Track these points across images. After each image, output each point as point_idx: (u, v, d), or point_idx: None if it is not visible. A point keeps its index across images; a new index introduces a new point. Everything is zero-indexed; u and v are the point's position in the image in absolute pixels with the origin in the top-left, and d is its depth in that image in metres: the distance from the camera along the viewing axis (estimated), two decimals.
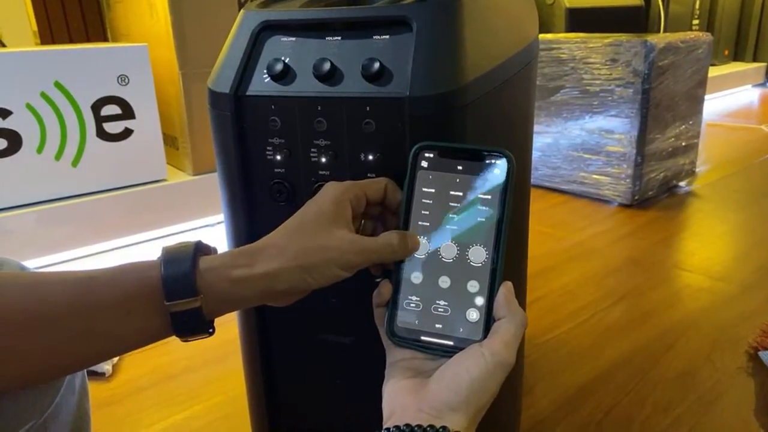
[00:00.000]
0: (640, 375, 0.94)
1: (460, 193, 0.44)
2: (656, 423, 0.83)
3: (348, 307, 0.58)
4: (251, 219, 0.58)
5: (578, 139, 1.77)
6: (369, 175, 0.52)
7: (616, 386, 0.91)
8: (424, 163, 0.45)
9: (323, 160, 0.53)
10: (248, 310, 0.62)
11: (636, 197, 1.68)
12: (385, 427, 0.39)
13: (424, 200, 0.44)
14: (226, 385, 0.93)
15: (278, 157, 0.55)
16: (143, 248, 1.48)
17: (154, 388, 0.93)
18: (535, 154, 1.88)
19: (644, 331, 1.06)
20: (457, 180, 0.44)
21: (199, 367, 0.99)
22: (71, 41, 1.80)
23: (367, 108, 0.51)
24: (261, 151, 0.55)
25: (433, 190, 0.44)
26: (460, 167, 0.44)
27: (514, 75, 0.59)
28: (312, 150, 0.54)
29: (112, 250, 1.45)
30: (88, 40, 1.81)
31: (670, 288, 1.23)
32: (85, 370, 0.62)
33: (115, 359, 0.98)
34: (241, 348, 0.65)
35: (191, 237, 1.51)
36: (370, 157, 0.52)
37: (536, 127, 1.85)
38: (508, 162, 0.43)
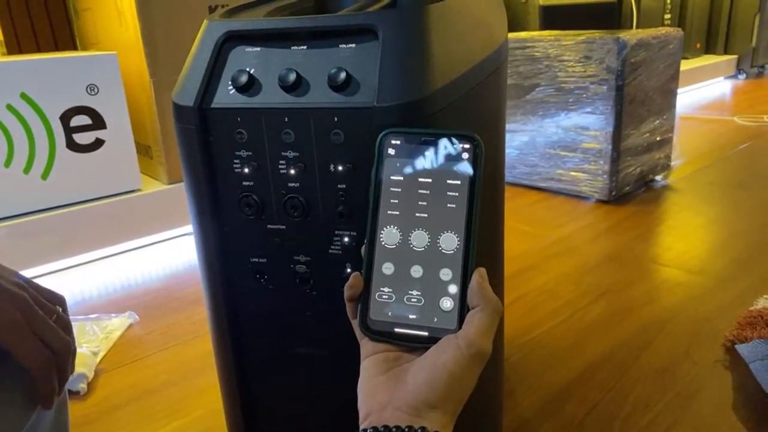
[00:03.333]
0: (621, 372, 0.94)
1: (429, 180, 0.43)
2: (637, 420, 0.83)
3: (323, 320, 0.57)
4: (220, 233, 0.57)
5: (554, 136, 1.78)
6: (339, 186, 0.52)
7: (598, 384, 0.91)
8: (391, 150, 0.44)
9: (292, 172, 0.53)
10: (221, 323, 0.61)
11: (613, 193, 1.70)
12: (362, 428, 0.38)
13: (392, 188, 0.43)
14: (207, 398, 0.92)
15: (246, 170, 0.54)
16: (119, 260, 1.45)
17: (131, 405, 0.91)
18: (513, 153, 1.89)
19: (624, 327, 1.07)
20: (426, 166, 0.43)
21: (179, 380, 0.97)
22: (39, 50, 1.76)
23: (335, 118, 0.50)
24: (228, 165, 0.54)
25: (401, 178, 0.43)
26: (428, 153, 0.43)
27: (484, 80, 0.59)
28: (281, 162, 0.53)
29: (87, 263, 1.42)
30: (57, 49, 1.78)
31: (649, 283, 1.24)
32: (66, 386, 0.60)
33: (91, 376, 0.96)
34: (215, 363, 0.64)
35: (169, 247, 1.50)
36: (340, 168, 0.51)
37: (513, 126, 1.85)
38: (477, 146, 0.42)
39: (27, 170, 1.27)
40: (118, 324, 1.12)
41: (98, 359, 1.01)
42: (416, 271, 0.42)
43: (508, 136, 1.83)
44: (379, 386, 0.40)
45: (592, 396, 0.89)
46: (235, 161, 0.54)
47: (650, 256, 1.38)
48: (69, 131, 1.30)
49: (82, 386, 0.93)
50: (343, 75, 0.49)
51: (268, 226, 0.55)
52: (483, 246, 0.68)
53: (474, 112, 0.58)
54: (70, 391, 0.92)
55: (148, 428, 0.86)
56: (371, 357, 0.42)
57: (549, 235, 1.52)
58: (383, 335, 0.42)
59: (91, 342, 1.04)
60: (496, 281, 0.78)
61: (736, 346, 0.98)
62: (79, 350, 1.00)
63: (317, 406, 0.61)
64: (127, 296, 1.28)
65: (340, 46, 0.51)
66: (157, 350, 1.06)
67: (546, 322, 1.10)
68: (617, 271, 1.30)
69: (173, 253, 1.49)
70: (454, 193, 0.42)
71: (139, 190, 1.44)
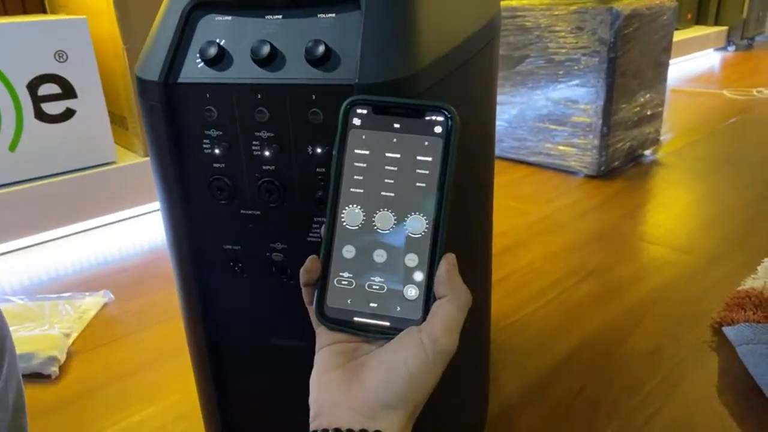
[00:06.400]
0: (608, 355, 0.93)
1: (397, 155, 0.39)
2: (623, 405, 0.82)
3: (301, 310, 0.54)
4: (190, 218, 0.53)
5: (544, 109, 1.74)
6: (318, 169, 0.48)
7: (584, 368, 0.90)
8: (357, 121, 0.39)
9: (267, 153, 0.49)
10: (193, 313, 0.57)
11: (602, 168, 1.67)
12: (312, 429, 0.35)
13: (356, 163, 0.39)
14: (183, 382, 0.89)
15: (217, 151, 0.50)
16: (93, 236, 1.40)
17: (105, 389, 0.88)
18: (501, 126, 1.85)
19: (611, 308, 1.05)
20: (394, 140, 0.39)
21: (154, 363, 0.94)
22: (6, 14, 1.67)
23: (313, 96, 0.46)
24: (197, 145, 0.50)
25: (367, 152, 0.39)
26: (397, 125, 0.39)
27: (475, 55, 0.55)
28: (254, 143, 0.49)
29: (60, 238, 1.37)
30: (25, 11, 1.68)
31: (637, 262, 1.23)
32: (22, 383, 0.57)
33: (63, 359, 0.92)
34: (189, 353, 0.61)
35: (145, 222, 1.45)
36: (319, 150, 0.47)
37: (501, 98, 1.81)
38: (451, 119, 0.38)
39: None
40: (92, 303, 1.08)
41: (71, 341, 0.97)
42: (379, 256, 0.39)
43: (496, 109, 1.79)
44: (333, 381, 0.36)
45: (578, 379, 0.87)
46: (205, 141, 0.50)
47: (638, 234, 1.36)
48: (37, 100, 1.24)
49: (54, 370, 0.90)
50: (321, 48, 0.45)
51: (242, 211, 0.51)
52: (473, 221, 0.66)
53: (464, 89, 0.54)
54: (40, 375, 0.89)
55: (122, 414, 0.83)
56: (327, 348, 0.38)
57: (537, 211, 1.49)
58: (341, 324, 0.39)
59: (64, 322, 1.01)
60: (485, 259, 0.75)
61: (723, 329, 0.97)
62: (50, 331, 0.96)
63: (295, 399, 0.58)
64: (101, 274, 1.23)
65: (319, 15, 0.47)
66: (132, 331, 1.02)
67: (532, 303, 1.08)
68: (605, 249, 1.28)
69: (150, 228, 1.44)
70: (424, 171, 0.38)
71: (113, 162, 1.38)
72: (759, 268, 1.14)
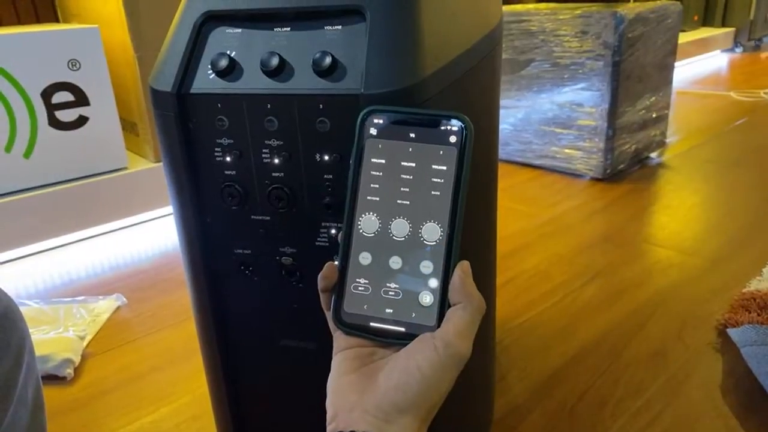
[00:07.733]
0: (613, 356, 0.94)
1: (413, 164, 0.40)
2: (628, 406, 0.83)
3: (311, 312, 0.56)
4: (202, 223, 0.54)
5: (550, 113, 1.75)
6: (325, 176, 0.50)
7: (589, 369, 0.91)
8: (373, 131, 0.41)
9: (276, 161, 0.50)
10: (206, 316, 0.59)
11: (608, 171, 1.68)
12: (328, 430, 0.36)
13: (373, 172, 0.40)
14: (195, 383, 0.91)
15: (228, 159, 0.51)
16: (106, 240, 1.43)
17: (119, 391, 0.90)
18: (507, 129, 1.86)
19: (617, 310, 1.06)
20: (410, 149, 0.40)
21: (167, 365, 0.96)
22: (20, 23, 1.70)
23: (320, 106, 0.48)
24: (209, 153, 0.52)
25: (383, 161, 0.40)
26: (412, 135, 0.40)
27: (478, 63, 0.57)
28: (264, 151, 0.50)
29: (73, 243, 1.40)
30: (38, 20, 1.72)
31: (642, 264, 1.23)
32: (41, 381, 0.59)
33: (77, 361, 0.95)
34: (201, 354, 0.63)
35: (157, 227, 1.47)
36: (326, 158, 0.49)
37: (507, 102, 1.82)
38: (465, 128, 0.39)
39: (9, 149, 1.24)
40: (105, 306, 1.10)
41: (85, 343, 0.99)
42: (395, 263, 0.39)
43: (501, 113, 1.80)
44: (349, 384, 0.37)
45: (583, 380, 0.88)
46: (217, 149, 0.51)
47: (644, 236, 1.37)
48: (51, 108, 1.27)
49: (69, 372, 0.92)
50: (328, 59, 0.47)
51: (252, 216, 0.53)
52: (476, 227, 0.67)
53: (467, 97, 0.56)
54: (55, 377, 0.91)
55: (135, 414, 0.85)
56: (343, 352, 0.40)
57: (542, 213, 1.50)
58: (357, 329, 0.39)
59: (78, 325, 1.03)
60: (489, 263, 0.77)
61: (728, 330, 0.97)
62: (65, 335, 0.99)
63: (305, 399, 0.60)
64: (114, 277, 1.26)
65: (326, 28, 0.49)
66: (145, 333, 1.04)
67: (538, 305, 1.09)
68: (611, 251, 1.29)
69: (161, 232, 1.47)
70: (439, 180, 0.39)
71: (125, 168, 1.41)
72: (764, 270, 1.14)
